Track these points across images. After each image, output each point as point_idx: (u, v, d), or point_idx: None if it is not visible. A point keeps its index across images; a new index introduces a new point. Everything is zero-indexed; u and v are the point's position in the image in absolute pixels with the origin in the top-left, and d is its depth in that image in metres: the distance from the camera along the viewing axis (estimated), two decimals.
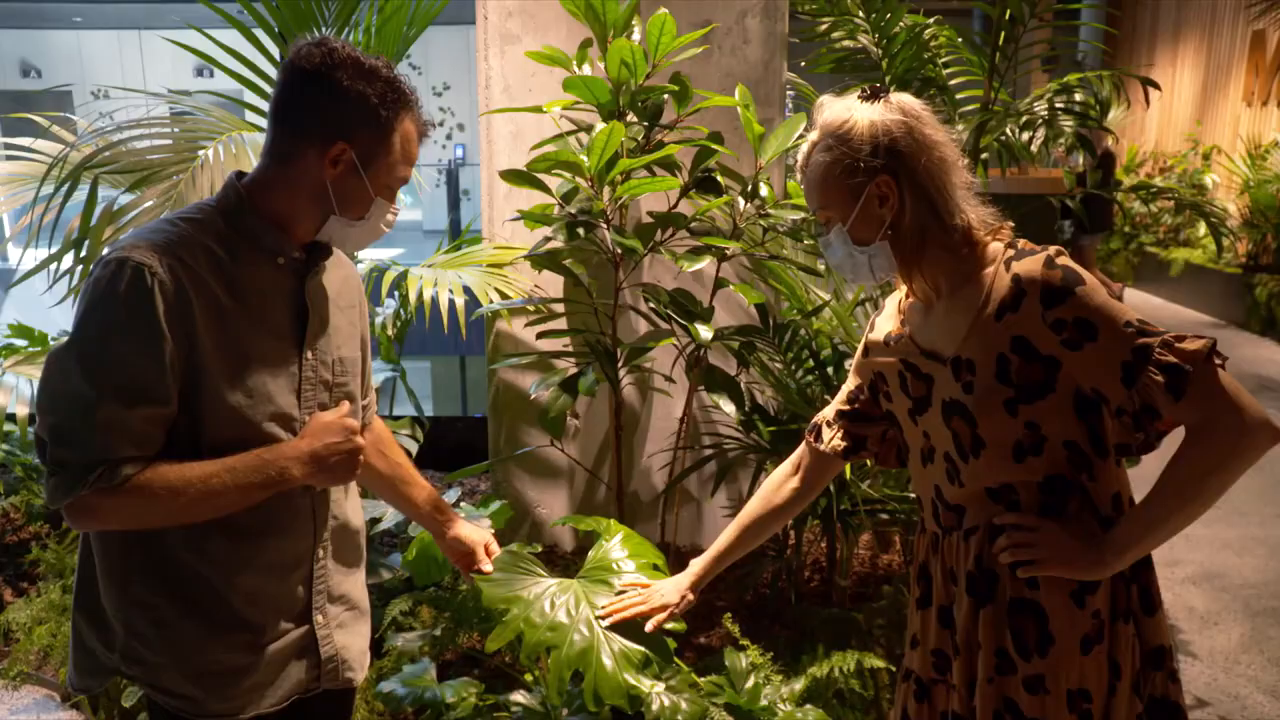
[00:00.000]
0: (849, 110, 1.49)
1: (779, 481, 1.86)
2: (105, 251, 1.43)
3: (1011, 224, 1.54)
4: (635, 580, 1.96)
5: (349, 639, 1.69)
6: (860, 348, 1.75)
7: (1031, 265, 1.43)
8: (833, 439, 1.78)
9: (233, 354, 1.45)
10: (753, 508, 1.87)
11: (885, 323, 1.68)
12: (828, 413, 1.81)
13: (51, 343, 3.92)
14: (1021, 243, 1.49)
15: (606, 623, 1.88)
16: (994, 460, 1.49)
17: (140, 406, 1.37)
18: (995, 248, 1.50)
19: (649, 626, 1.87)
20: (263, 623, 1.54)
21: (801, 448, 1.85)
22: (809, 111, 3.90)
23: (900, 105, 1.48)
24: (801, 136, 2.86)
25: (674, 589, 1.89)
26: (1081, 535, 1.46)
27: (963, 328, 1.49)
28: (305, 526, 1.58)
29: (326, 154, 1.47)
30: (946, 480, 1.58)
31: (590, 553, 2.12)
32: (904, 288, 1.65)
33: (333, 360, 1.60)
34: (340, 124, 1.46)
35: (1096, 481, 1.47)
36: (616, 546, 2.11)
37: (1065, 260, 1.43)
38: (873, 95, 1.50)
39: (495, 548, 2.01)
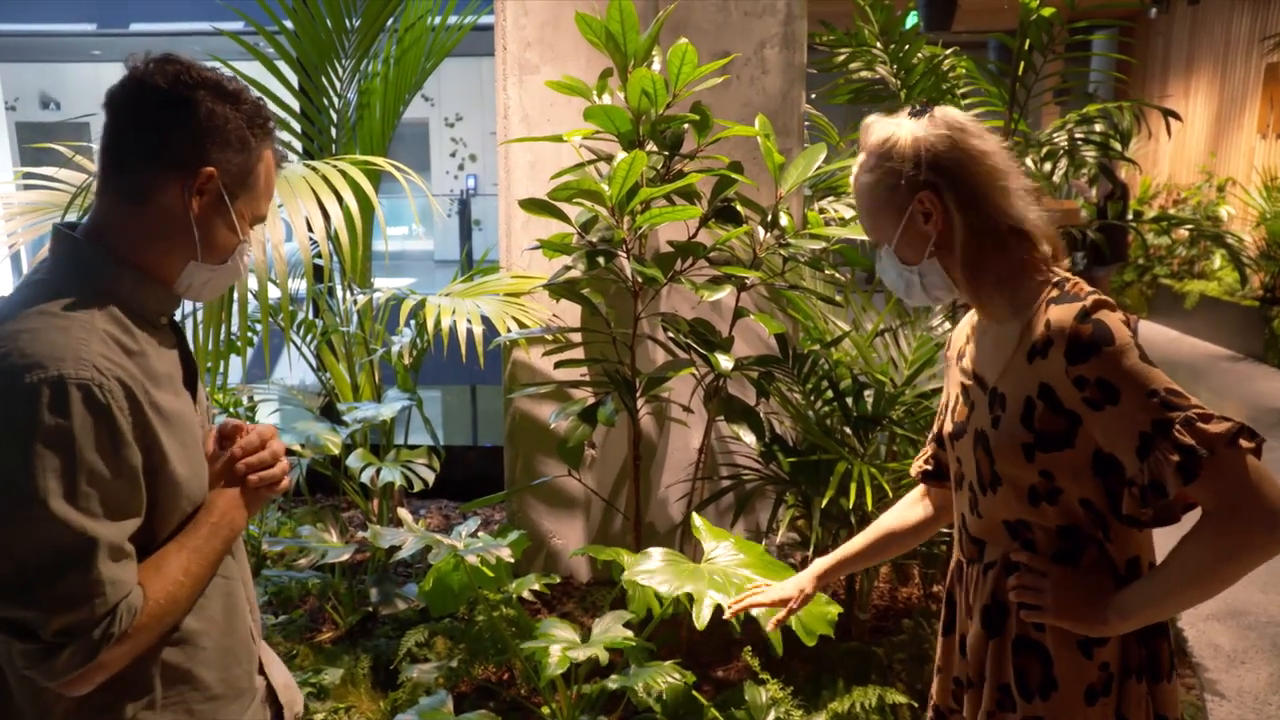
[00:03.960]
0: (893, 128, 1.46)
1: (911, 501, 1.82)
2: (10, 370, 1.17)
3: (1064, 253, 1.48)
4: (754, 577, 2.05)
5: (281, 673, 1.60)
6: (945, 362, 1.71)
7: (1064, 314, 1.35)
8: (918, 462, 1.76)
9: (174, 436, 1.32)
10: (886, 520, 1.82)
11: (958, 339, 1.64)
12: (932, 432, 1.76)
13: None
14: (1070, 283, 1.42)
15: (728, 614, 1.94)
16: (1009, 498, 1.47)
17: (128, 527, 1.25)
18: (1046, 281, 1.44)
19: (769, 626, 1.89)
20: (249, 683, 1.46)
21: None
22: (827, 141, 3.88)
23: (944, 119, 1.44)
24: (821, 166, 2.87)
25: (794, 585, 1.86)
26: (1091, 589, 1.41)
27: (1001, 361, 1.46)
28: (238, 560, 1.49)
29: (192, 183, 1.29)
30: (969, 510, 1.55)
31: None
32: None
33: (206, 403, 1.50)
34: (205, 148, 1.29)
35: (1113, 543, 1.42)
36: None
37: (1103, 315, 1.34)
38: (919, 112, 1.46)
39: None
